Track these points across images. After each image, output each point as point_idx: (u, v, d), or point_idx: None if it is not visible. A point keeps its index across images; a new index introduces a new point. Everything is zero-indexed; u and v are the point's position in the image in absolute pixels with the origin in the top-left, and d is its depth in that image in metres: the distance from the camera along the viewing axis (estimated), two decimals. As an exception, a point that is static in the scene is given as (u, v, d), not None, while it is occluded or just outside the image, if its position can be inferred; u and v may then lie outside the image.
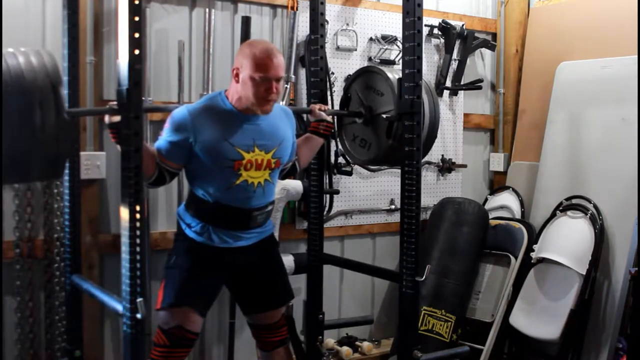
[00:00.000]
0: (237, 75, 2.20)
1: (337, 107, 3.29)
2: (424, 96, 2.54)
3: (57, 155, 1.88)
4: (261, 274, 2.44)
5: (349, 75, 3.34)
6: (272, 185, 2.37)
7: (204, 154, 2.20)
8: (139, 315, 1.90)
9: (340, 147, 3.28)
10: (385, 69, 2.62)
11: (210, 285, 2.33)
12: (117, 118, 1.95)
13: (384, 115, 2.54)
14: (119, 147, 1.99)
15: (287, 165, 2.49)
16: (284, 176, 2.59)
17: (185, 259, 2.29)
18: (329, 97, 3.16)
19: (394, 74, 2.53)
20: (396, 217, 3.45)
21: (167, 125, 2.19)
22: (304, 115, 3.01)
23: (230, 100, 2.25)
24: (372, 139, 2.66)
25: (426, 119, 2.56)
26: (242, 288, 2.47)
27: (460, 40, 3.71)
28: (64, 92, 1.99)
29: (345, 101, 2.80)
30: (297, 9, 3.16)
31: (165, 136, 2.19)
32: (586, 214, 3.23)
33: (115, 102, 1.94)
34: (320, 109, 2.60)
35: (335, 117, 2.86)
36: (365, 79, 2.71)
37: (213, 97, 2.28)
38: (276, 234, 3.04)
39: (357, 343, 3.45)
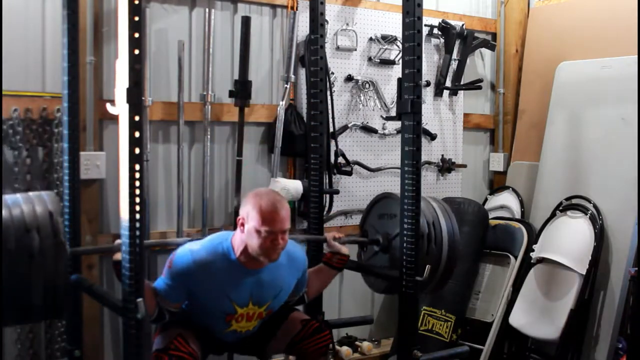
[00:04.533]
0: (242, 225, 2.18)
1: (337, 108, 3.30)
2: (441, 219, 2.55)
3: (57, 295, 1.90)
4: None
5: (349, 74, 3.35)
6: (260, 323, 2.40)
7: (199, 301, 2.23)
8: (138, 316, 1.90)
9: (340, 147, 3.29)
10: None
11: (204, 338, 2.35)
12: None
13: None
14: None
15: (294, 298, 2.49)
16: (291, 305, 2.56)
17: (180, 316, 2.33)
18: (328, 97, 3.16)
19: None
20: (396, 217, 3.45)
21: (169, 267, 2.19)
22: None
23: (235, 250, 2.22)
24: (394, 264, 2.61)
25: (445, 242, 2.53)
26: (242, 344, 2.48)
27: (460, 40, 3.71)
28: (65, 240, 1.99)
29: (362, 243, 2.81)
30: (297, 9, 3.16)
31: (166, 279, 2.19)
32: (586, 214, 3.22)
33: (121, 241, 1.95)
34: (335, 237, 2.57)
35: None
36: (377, 210, 2.75)
37: (219, 245, 2.24)
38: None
39: (357, 343, 3.45)
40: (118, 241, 2.00)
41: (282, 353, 2.57)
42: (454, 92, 3.76)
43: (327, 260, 2.57)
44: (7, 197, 1.93)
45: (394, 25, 3.48)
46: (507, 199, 3.80)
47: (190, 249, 2.20)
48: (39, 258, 1.83)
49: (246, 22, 2.96)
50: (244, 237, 2.18)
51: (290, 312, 2.49)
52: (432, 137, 3.69)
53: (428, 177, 3.71)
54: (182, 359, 2.15)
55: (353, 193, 3.46)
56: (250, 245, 2.17)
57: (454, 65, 3.73)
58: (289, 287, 2.40)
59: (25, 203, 1.89)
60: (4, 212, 1.83)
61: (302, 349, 2.41)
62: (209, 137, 2.95)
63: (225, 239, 2.26)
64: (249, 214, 2.16)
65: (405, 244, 2.42)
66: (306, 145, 3.06)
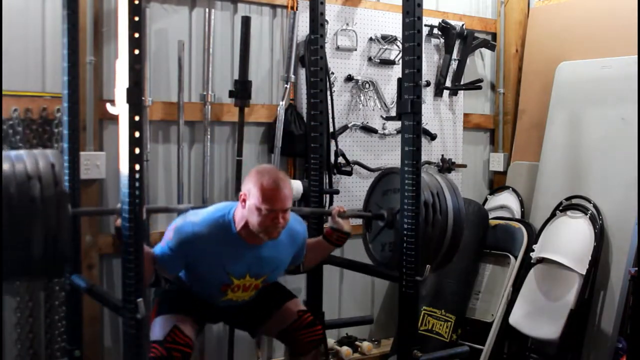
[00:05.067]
0: (244, 201, 2.17)
1: (337, 108, 3.30)
2: (446, 192, 2.53)
3: (57, 251, 1.89)
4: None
5: (349, 74, 3.35)
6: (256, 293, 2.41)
7: (196, 271, 2.24)
8: (138, 316, 1.90)
9: (340, 147, 3.29)
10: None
11: (200, 308, 2.37)
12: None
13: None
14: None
15: (290, 267, 2.50)
16: (287, 272, 2.59)
17: (176, 286, 2.36)
18: (328, 97, 3.16)
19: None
20: (396, 217, 3.45)
21: (169, 237, 2.19)
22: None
23: (236, 225, 2.22)
24: (398, 239, 2.59)
25: (449, 213, 2.51)
26: (236, 315, 2.49)
27: (460, 40, 3.71)
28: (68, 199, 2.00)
29: (367, 221, 2.78)
30: (297, 9, 3.16)
31: (165, 249, 2.19)
32: (586, 214, 3.22)
33: None
34: (340, 211, 2.56)
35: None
36: (380, 187, 2.72)
37: (221, 218, 2.24)
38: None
39: (357, 343, 3.45)
40: (119, 205, 1.98)
41: (273, 337, 2.59)
42: (454, 92, 3.76)
43: (328, 235, 2.56)
44: (11, 153, 1.92)
45: (394, 25, 3.48)
46: (507, 199, 3.80)
47: (192, 222, 2.19)
48: (40, 206, 1.81)
49: (246, 22, 2.96)
50: (245, 213, 2.17)
51: (289, 299, 2.51)
52: (432, 137, 3.69)
53: (428, 177, 3.71)
54: (178, 351, 2.17)
55: (353, 193, 3.46)
56: (251, 222, 2.16)
57: (454, 65, 3.73)
58: (287, 262, 2.42)
59: (28, 157, 1.88)
60: (6, 166, 1.83)
61: (295, 339, 2.44)
62: (209, 137, 2.95)
63: (227, 212, 2.25)
64: (250, 190, 2.15)
65: (405, 244, 2.42)
66: (306, 145, 3.06)
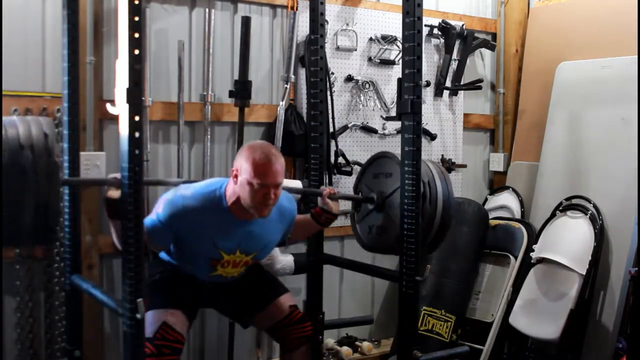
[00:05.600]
0: (235, 176, 2.17)
1: (337, 109, 3.30)
2: (437, 180, 2.53)
3: (47, 219, 1.89)
4: (241, 283, 2.47)
5: (349, 74, 3.35)
6: (245, 271, 2.41)
7: (186, 245, 2.23)
8: (138, 316, 1.90)
9: (340, 147, 3.29)
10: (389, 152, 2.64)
11: (191, 291, 2.37)
12: (117, 194, 1.92)
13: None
14: (112, 227, 2.01)
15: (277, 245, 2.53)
16: None
17: (164, 274, 2.35)
18: (328, 97, 3.16)
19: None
20: (396, 217, 3.45)
21: (159, 209, 2.17)
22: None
23: (227, 200, 2.21)
24: (387, 223, 2.61)
25: (439, 202, 2.51)
26: (228, 303, 2.50)
27: (460, 40, 3.71)
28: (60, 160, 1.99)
29: (357, 200, 2.77)
30: (297, 9, 3.16)
31: (155, 221, 2.17)
32: (586, 214, 3.22)
33: (117, 175, 1.93)
34: (331, 193, 2.55)
35: (350, 216, 2.86)
36: (372, 170, 2.71)
37: (212, 193, 2.23)
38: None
39: (357, 343, 3.45)
40: (112, 175, 1.97)
41: (263, 331, 2.59)
42: (454, 92, 3.76)
43: (316, 216, 2.56)
44: (5, 119, 1.91)
45: (394, 25, 3.48)
46: (507, 199, 3.80)
47: (182, 195, 2.18)
48: (31, 175, 1.81)
49: (246, 22, 2.96)
50: (237, 188, 2.17)
51: (282, 293, 2.52)
52: (432, 137, 3.69)
53: (428, 177, 3.71)
54: (168, 348, 2.18)
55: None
56: (242, 198, 2.16)
57: (454, 65, 3.73)
58: (277, 239, 2.42)
59: (21, 123, 1.87)
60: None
61: (285, 335, 2.46)
62: (209, 137, 2.95)
63: (219, 187, 2.24)
64: (242, 166, 2.15)
65: (405, 244, 2.42)
66: (306, 145, 3.05)
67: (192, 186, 2.25)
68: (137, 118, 1.87)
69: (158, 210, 2.17)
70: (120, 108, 1.90)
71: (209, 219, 2.19)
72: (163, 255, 2.39)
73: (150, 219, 2.18)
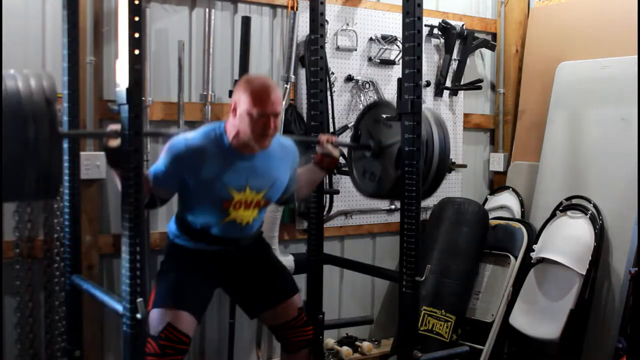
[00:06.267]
0: (234, 109, 2.17)
1: (337, 109, 3.30)
2: (434, 129, 2.52)
3: (50, 173, 1.88)
4: (257, 271, 2.45)
5: (349, 74, 3.35)
6: (260, 219, 2.39)
7: (195, 188, 2.21)
8: (138, 315, 1.90)
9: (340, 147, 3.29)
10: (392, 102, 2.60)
11: (201, 286, 2.33)
12: (116, 142, 1.93)
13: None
14: (113, 173, 2.01)
15: (284, 196, 2.47)
16: (280, 203, 2.59)
17: (175, 264, 2.32)
18: (328, 97, 3.16)
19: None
20: (396, 217, 3.45)
21: (163, 154, 2.18)
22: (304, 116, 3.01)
23: (228, 135, 2.21)
24: (381, 171, 2.62)
25: (435, 152, 2.51)
26: (241, 289, 2.47)
27: (460, 40, 3.71)
28: (60, 114, 1.97)
29: (355, 137, 2.76)
30: (297, 9, 3.16)
31: (161, 165, 2.17)
32: (586, 214, 3.22)
33: (115, 127, 1.93)
34: (328, 141, 2.55)
35: (347, 150, 2.85)
36: (374, 113, 2.69)
37: (212, 131, 2.23)
38: (276, 234, 3.05)
39: (357, 343, 3.45)
40: (112, 126, 1.96)
41: (266, 326, 2.58)
42: (454, 92, 3.76)
43: (318, 162, 2.55)
44: (4, 72, 1.88)
45: (394, 25, 3.48)
46: (507, 199, 3.80)
47: (185, 137, 2.19)
48: (31, 126, 1.79)
49: (246, 22, 2.96)
50: (236, 122, 2.16)
51: (294, 293, 2.50)
52: (432, 137, 3.68)
53: (428, 177, 3.71)
54: (171, 348, 2.16)
55: (353, 193, 3.44)
56: (242, 130, 2.15)
57: (454, 65, 3.73)
58: (285, 179, 2.39)
59: (20, 76, 1.85)
60: None
61: (288, 336, 2.46)
62: (209, 137, 2.95)
63: (218, 126, 2.25)
64: (240, 98, 2.14)
65: (405, 244, 2.42)
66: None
67: (192, 132, 2.26)
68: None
69: (161, 157, 2.18)
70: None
71: (212, 157, 2.19)
72: (174, 229, 2.36)
73: (154, 167, 2.19)
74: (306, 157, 2.62)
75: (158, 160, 2.19)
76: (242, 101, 2.13)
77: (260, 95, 2.11)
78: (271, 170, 2.31)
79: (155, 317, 2.19)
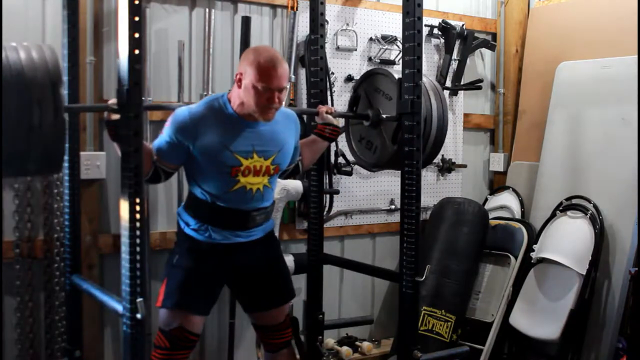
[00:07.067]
0: (239, 80, 2.16)
1: (337, 109, 3.30)
2: (432, 97, 2.52)
3: (55, 151, 1.88)
4: (262, 271, 2.43)
5: (349, 74, 3.36)
6: (271, 189, 2.36)
7: (201, 157, 2.19)
8: (138, 316, 1.90)
9: (340, 147, 3.29)
10: (394, 72, 2.59)
11: (211, 284, 2.33)
12: (116, 116, 1.94)
13: (384, 115, 2.54)
14: (115, 145, 1.99)
15: (290, 166, 2.47)
16: (286, 176, 2.59)
17: (186, 259, 2.29)
18: (328, 97, 3.16)
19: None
20: (396, 217, 3.45)
21: (167, 125, 2.18)
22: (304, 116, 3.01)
23: (232, 104, 2.22)
24: (378, 142, 2.64)
25: (434, 121, 2.52)
26: (243, 286, 2.46)
27: (460, 40, 3.71)
28: (64, 90, 1.97)
29: (353, 100, 2.76)
30: (297, 9, 3.16)
31: (165, 136, 2.17)
32: (586, 214, 3.22)
33: (114, 101, 1.93)
34: (327, 112, 2.55)
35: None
36: (375, 80, 2.67)
37: (215, 100, 2.24)
38: (276, 234, 3.05)
39: (357, 343, 3.45)
40: (112, 100, 1.95)
41: (251, 322, 2.56)
42: (454, 92, 3.76)
43: (319, 131, 2.56)
44: (5, 44, 1.86)
45: (394, 25, 3.48)
46: (507, 199, 3.80)
47: (188, 107, 2.20)
48: (38, 131, 1.78)
49: (246, 22, 2.96)
50: (241, 93, 2.16)
51: (289, 300, 2.50)
52: (432, 137, 3.68)
53: (428, 177, 3.71)
54: (180, 346, 2.20)
55: (353, 193, 3.46)
56: (246, 102, 2.16)
57: (454, 65, 3.73)
58: (290, 147, 2.38)
59: (22, 48, 1.82)
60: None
61: (270, 337, 2.47)
62: (209, 137, 2.95)
63: (220, 96, 2.26)
64: (246, 70, 2.14)
65: (405, 244, 2.42)
66: (306, 145, 3.05)
67: (194, 104, 2.27)
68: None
69: (166, 128, 2.18)
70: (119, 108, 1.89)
71: (216, 125, 2.18)
72: (184, 216, 2.33)
73: (159, 139, 2.19)
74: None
75: (162, 132, 2.19)
76: (247, 73, 2.13)
77: (267, 69, 2.11)
78: (276, 136, 2.30)
79: (168, 315, 2.21)
